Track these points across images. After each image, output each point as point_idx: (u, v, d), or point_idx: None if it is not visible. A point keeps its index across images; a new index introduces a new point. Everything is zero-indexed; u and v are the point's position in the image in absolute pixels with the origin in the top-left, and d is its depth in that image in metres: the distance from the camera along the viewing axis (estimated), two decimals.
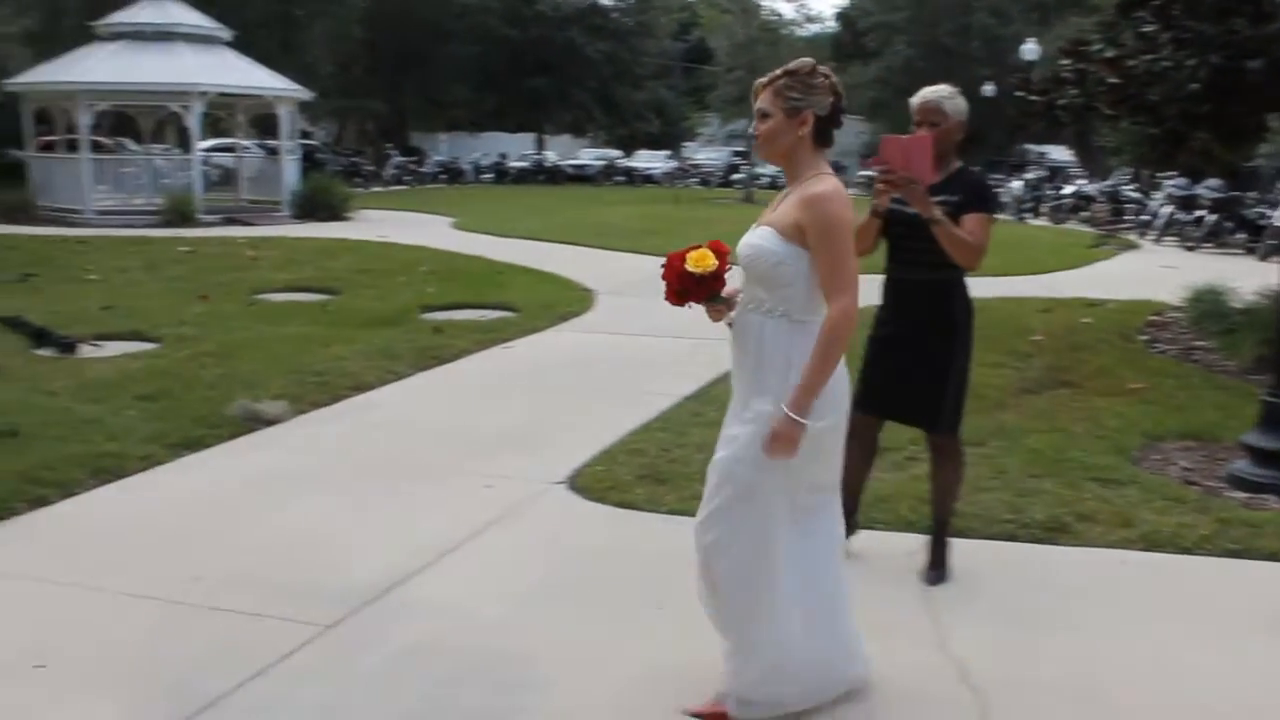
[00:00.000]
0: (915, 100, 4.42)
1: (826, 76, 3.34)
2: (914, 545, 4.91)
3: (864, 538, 4.97)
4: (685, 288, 3.34)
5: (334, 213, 23.07)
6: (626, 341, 9.92)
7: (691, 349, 8.96)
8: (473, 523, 5.27)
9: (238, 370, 8.16)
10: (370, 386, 8.03)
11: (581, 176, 44.48)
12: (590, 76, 48.43)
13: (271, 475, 5.99)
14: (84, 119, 21.54)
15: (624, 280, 13.68)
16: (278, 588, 4.49)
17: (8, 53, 29.66)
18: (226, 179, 26.90)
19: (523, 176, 43.40)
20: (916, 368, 4.45)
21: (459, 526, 5.21)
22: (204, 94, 22.17)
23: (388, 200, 29.37)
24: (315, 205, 23.02)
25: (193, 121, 22.36)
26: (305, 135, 35.33)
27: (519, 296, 11.98)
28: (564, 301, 11.95)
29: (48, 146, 24.80)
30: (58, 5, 32.01)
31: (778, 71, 3.35)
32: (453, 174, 42.72)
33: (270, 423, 6.93)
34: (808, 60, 3.38)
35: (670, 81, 54.96)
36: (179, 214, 20.81)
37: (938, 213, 4.15)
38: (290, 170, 24.07)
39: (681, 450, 6.37)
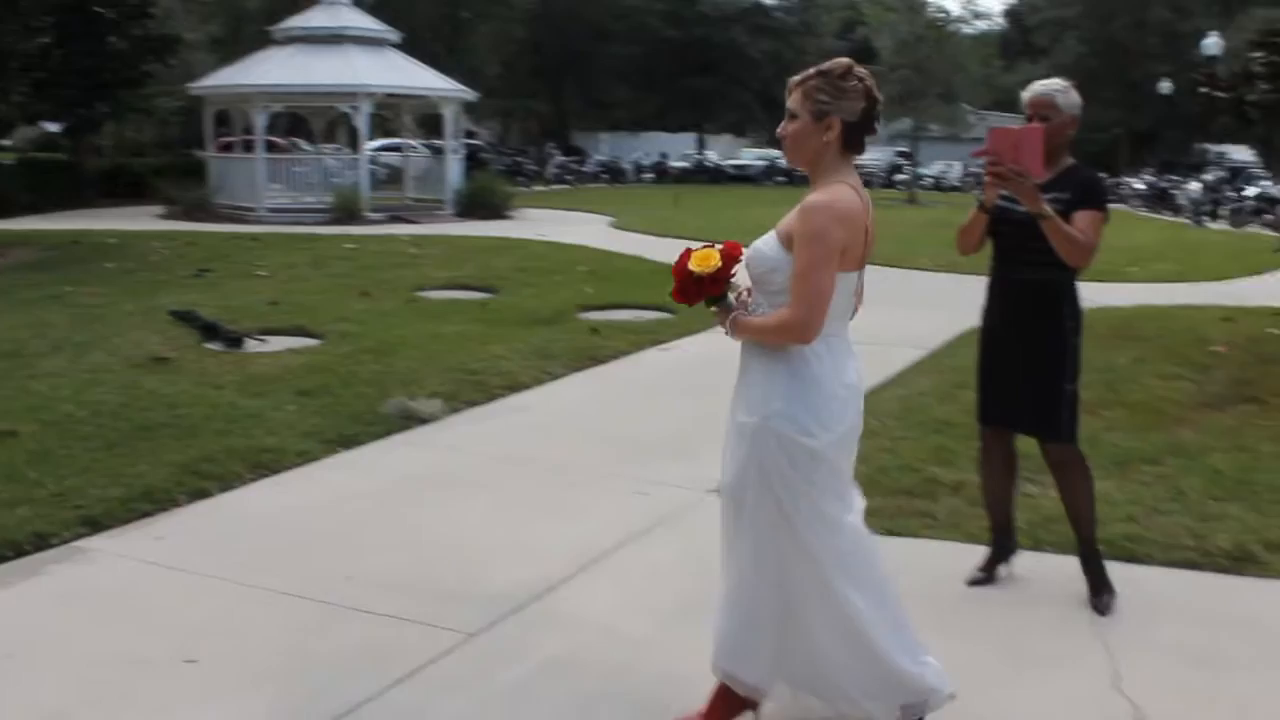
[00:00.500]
0: (1027, 93, 4.23)
1: (861, 80, 3.14)
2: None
3: (1027, 560, 4.69)
4: (685, 286, 3.21)
5: (495, 211, 23.38)
6: None
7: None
8: (623, 531, 5.15)
9: (395, 367, 8.24)
10: (525, 386, 8.00)
11: (742, 176, 44.25)
12: (752, 76, 48.13)
13: (423, 475, 5.98)
14: (259, 120, 22.32)
15: None
16: (424, 591, 4.44)
17: (194, 59, 31.03)
18: (393, 178, 27.54)
19: (684, 176, 43.38)
20: (1029, 373, 4.23)
21: (609, 534, 5.09)
22: (371, 95, 22.72)
23: (549, 199, 29.68)
24: (477, 204, 23.37)
25: (361, 122, 22.94)
26: (470, 135, 35.99)
27: None
28: None
29: (226, 147, 25.78)
30: (240, 12, 33.36)
31: (810, 70, 3.18)
32: (614, 173, 42.97)
33: (424, 421, 6.94)
34: (843, 61, 3.18)
35: None
36: (346, 211, 21.37)
37: (1047, 208, 3.94)
38: (454, 169, 24.49)
39: None
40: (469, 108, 28.02)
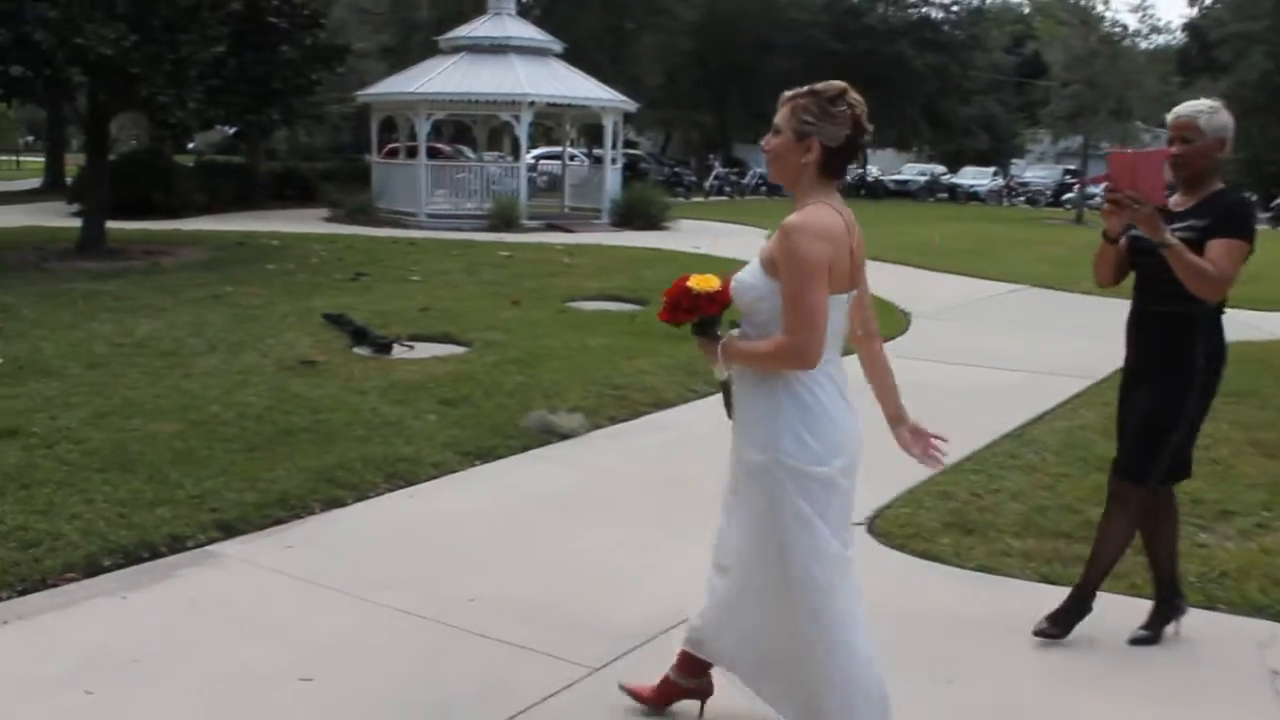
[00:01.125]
0: (1170, 115, 3.95)
1: (851, 107, 3.03)
2: (1264, 633, 4.19)
3: (1198, 619, 4.27)
4: (678, 301, 3.16)
5: (652, 222, 23.33)
6: (941, 370, 9.27)
7: (1014, 383, 8.26)
8: None
9: (539, 379, 8.13)
10: (669, 404, 7.81)
11: (903, 192, 43.40)
12: (917, 90, 47.08)
13: (558, 494, 5.83)
14: (422, 126, 22.73)
15: (942, 303, 12.98)
16: (549, 619, 4.27)
17: (365, 67, 31.92)
18: (553, 186, 27.78)
19: (844, 190, 42.55)
20: (1144, 406, 3.97)
21: None
22: (533, 104, 22.92)
23: (706, 211, 29.51)
24: (634, 214, 23.36)
25: (522, 130, 23.16)
26: (631, 145, 36.14)
27: None
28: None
29: (392, 153, 26.37)
30: (410, 22, 34.17)
31: (804, 88, 3.07)
32: (772, 186, 42.49)
33: (565, 436, 6.81)
34: (836, 84, 3.05)
35: (1000, 96, 52.78)
36: (504, 219, 21.58)
37: (1169, 236, 3.68)
38: (611, 179, 24.55)
39: (994, 497, 5.79)
40: (630, 118, 28.09)
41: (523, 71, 23.19)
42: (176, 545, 4.89)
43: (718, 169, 41.85)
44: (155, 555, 4.80)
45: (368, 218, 21.98)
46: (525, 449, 6.57)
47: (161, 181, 22.05)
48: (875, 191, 43.02)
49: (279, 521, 5.25)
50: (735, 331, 3.16)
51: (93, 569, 4.63)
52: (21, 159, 57.78)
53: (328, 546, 5.02)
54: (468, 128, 30.34)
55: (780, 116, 3.08)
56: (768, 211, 30.10)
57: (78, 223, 16.19)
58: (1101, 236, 3.94)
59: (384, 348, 9.03)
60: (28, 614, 4.24)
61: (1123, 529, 4.11)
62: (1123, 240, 3.91)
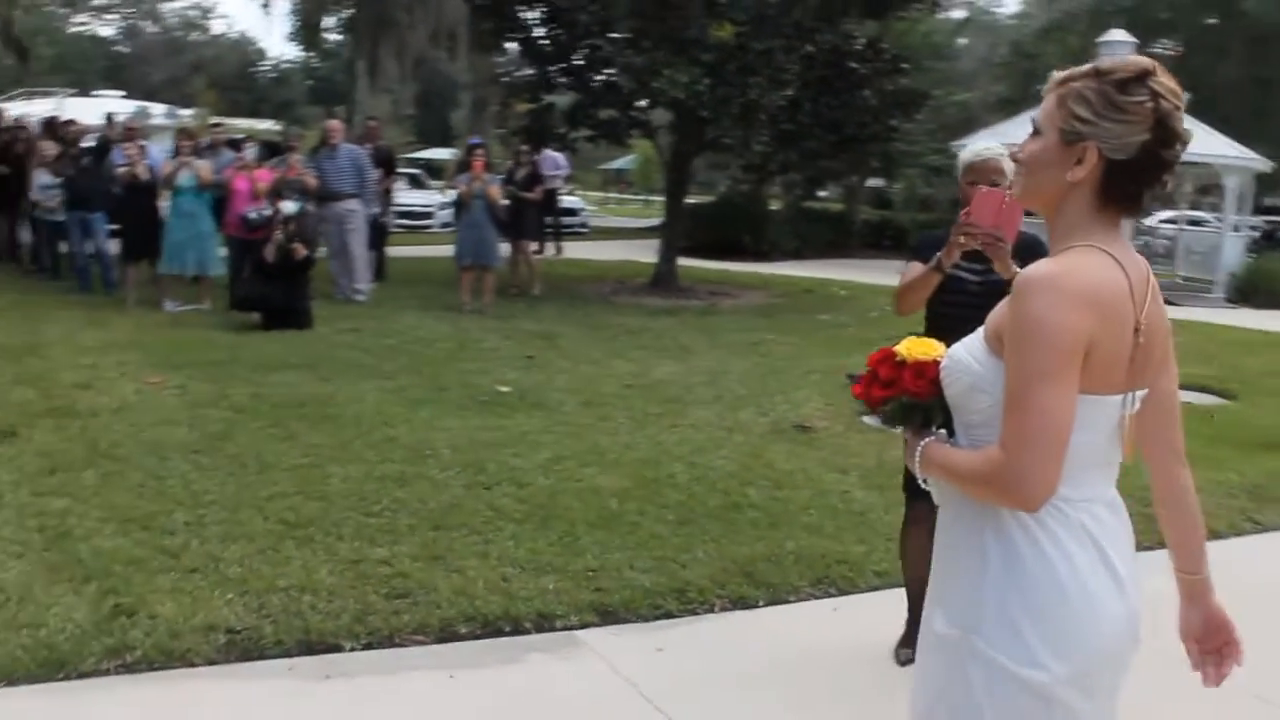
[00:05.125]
0: (980, 158, 4.09)
1: (1155, 97, 1.89)
2: None
3: None
4: (875, 369, 2.14)
5: (1277, 300, 20.08)
6: None
7: None
8: None
9: None
10: (1217, 534, 6.13)
11: None
12: None
13: None
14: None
15: None
16: None
17: (990, 118, 30.94)
18: (1170, 252, 25.04)
19: (1254, 243, 34.52)
20: None
21: None
22: None
23: None
24: (1256, 289, 20.24)
25: None
26: (1270, 210, 31.86)
27: None
28: None
29: None
30: (1029, 72, 32.71)
31: (1085, 67, 1.97)
32: None
33: None
34: (1139, 61, 1.92)
35: None
36: None
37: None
38: (1231, 248, 21.51)
39: None
40: (1266, 180, 24.60)
41: None
42: (543, 624, 4.35)
43: None
44: (517, 631, 4.30)
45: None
46: None
47: (752, 225, 22.53)
48: None
49: (667, 615, 4.54)
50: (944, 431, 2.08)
51: (445, 634, 4.23)
52: (652, 198, 63.36)
53: (703, 659, 4.20)
54: None
55: (1043, 109, 1.99)
56: None
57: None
58: (933, 266, 3.82)
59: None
60: (353, 672, 3.89)
61: None
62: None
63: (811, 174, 21.59)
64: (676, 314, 13.43)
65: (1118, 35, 20.32)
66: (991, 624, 1.93)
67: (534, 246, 15.55)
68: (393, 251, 16.00)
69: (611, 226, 31.07)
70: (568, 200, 25.73)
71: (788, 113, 13.55)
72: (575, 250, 21.26)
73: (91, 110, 28.79)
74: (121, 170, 11.87)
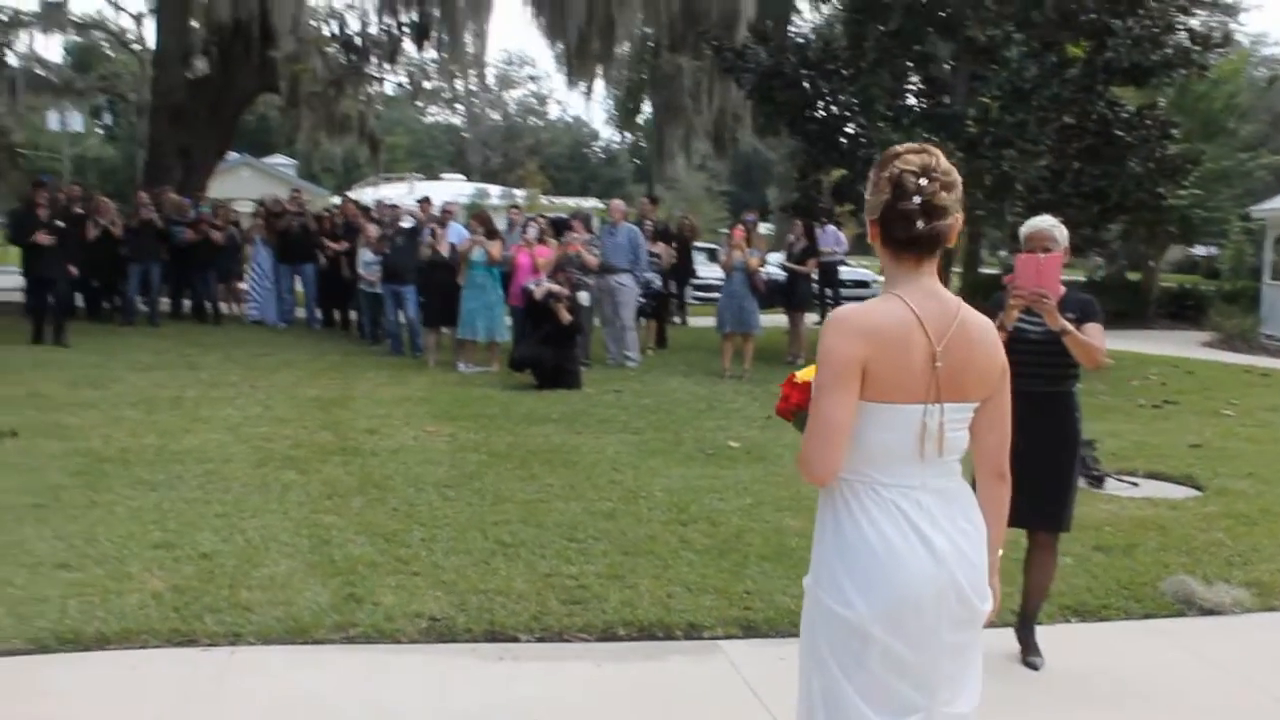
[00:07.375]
0: (1032, 229, 4.83)
1: (896, 170, 2.50)
2: None
3: None
4: (787, 394, 2.80)
5: None
6: None
7: None
8: None
9: (1251, 539, 6.84)
10: None
11: None
12: None
13: (1157, 687, 4.84)
14: None
15: None
16: None
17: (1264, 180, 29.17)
18: None
19: None
20: (1048, 477, 4.74)
21: None
22: None
23: None
24: None
25: None
26: None
27: None
28: None
29: None
30: None
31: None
32: None
33: (1207, 612, 5.69)
34: (902, 146, 2.57)
35: None
36: None
37: (1065, 323, 4.55)
38: None
39: None
40: None
41: None
42: (691, 633, 5.09)
43: None
44: (669, 637, 5.04)
45: (1246, 344, 20.00)
46: (1145, 616, 5.62)
47: None
48: None
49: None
50: None
51: (606, 635, 5.04)
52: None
53: None
54: None
55: None
56: None
57: None
58: (999, 327, 3.98)
59: (1097, 479, 8.27)
60: (522, 657, 4.78)
61: (1055, 565, 5.15)
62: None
63: (1075, 243, 21.10)
64: None
65: None
66: (824, 575, 2.58)
67: (813, 317, 16.17)
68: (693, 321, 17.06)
69: None
70: (858, 273, 26.24)
71: (1048, 184, 13.71)
72: None
73: (439, 191, 31.81)
74: (424, 247, 13.56)
